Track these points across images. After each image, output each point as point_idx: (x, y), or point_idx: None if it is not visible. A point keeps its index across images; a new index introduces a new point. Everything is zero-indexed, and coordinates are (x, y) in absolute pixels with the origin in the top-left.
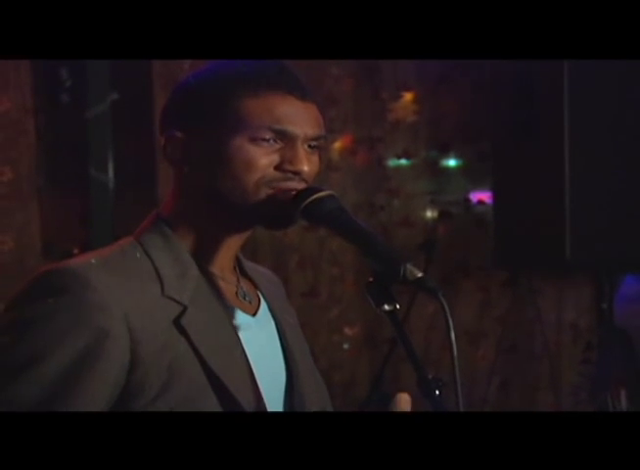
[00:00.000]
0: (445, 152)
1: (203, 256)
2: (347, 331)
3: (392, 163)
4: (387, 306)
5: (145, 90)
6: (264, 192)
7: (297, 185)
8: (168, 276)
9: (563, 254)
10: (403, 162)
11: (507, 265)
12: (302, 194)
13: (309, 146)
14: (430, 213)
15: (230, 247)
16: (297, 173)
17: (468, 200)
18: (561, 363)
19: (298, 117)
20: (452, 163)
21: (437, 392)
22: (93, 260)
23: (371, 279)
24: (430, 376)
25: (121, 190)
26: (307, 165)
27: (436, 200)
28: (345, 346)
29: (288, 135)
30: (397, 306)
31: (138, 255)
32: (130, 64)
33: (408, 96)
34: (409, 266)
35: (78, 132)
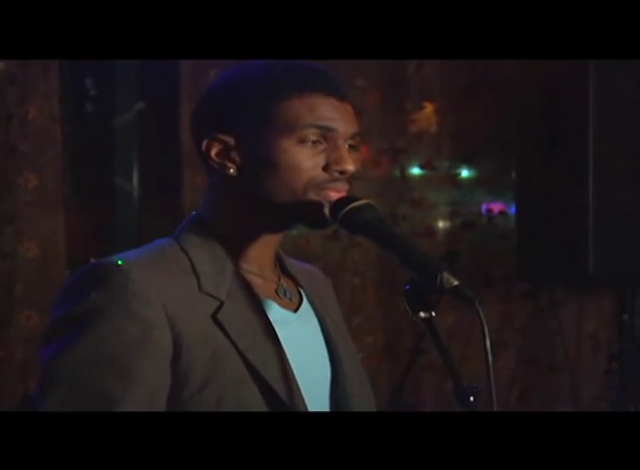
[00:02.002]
0: (468, 163)
1: (241, 254)
2: (369, 339)
3: (415, 173)
4: (422, 314)
5: (171, 99)
6: (312, 195)
7: (343, 186)
8: (205, 273)
9: (586, 267)
10: (426, 172)
11: (529, 277)
12: (340, 203)
13: (349, 146)
14: (452, 224)
15: (269, 245)
16: (344, 173)
17: (490, 211)
18: (581, 375)
19: (340, 116)
20: (474, 174)
21: (472, 398)
22: (132, 256)
23: (408, 287)
24: (465, 383)
25: (147, 199)
26: (352, 165)
27: (458, 211)
28: (360, 355)
29: (331, 134)
30: (433, 314)
31: (175, 252)
32: (157, 73)
33: (431, 107)
34: (446, 275)
35: (104, 141)
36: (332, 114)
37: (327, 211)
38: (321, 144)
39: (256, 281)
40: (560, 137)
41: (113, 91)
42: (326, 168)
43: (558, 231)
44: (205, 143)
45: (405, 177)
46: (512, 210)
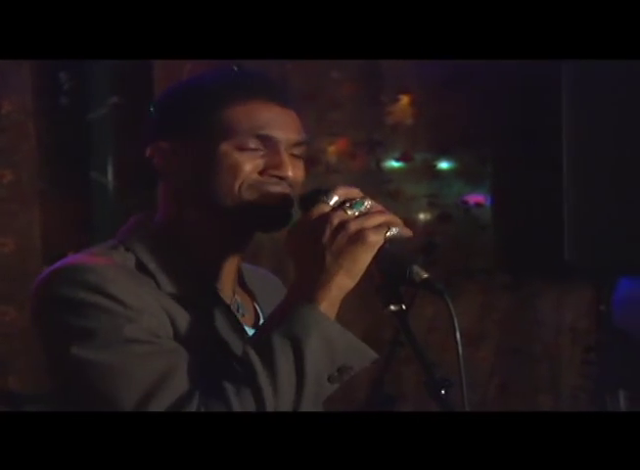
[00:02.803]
0: (445, 155)
1: (196, 264)
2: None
3: (392, 165)
4: (393, 307)
5: (145, 93)
6: (249, 195)
7: (283, 190)
8: (164, 282)
9: (562, 257)
10: (402, 164)
11: (507, 268)
12: (307, 195)
13: (293, 153)
14: (429, 216)
15: (223, 257)
16: (283, 178)
17: (466, 202)
18: (560, 365)
19: (281, 123)
20: (451, 166)
21: (444, 391)
22: (98, 261)
23: (379, 280)
24: (437, 376)
25: (122, 193)
26: (292, 171)
27: (435, 202)
28: None
29: (271, 141)
30: (404, 307)
31: (123, 255)
32: (131, 67)
33: (407, 99)
34: (416, 267)
35: (79, 135)
36: (271, 121)
37: (277, 204)
38: (261, 150)
39: (214, 297)
40: (534, 127)
41: (87, 85)
42: (264, 172)
43: (535, 223)
44: (148, 149)
45: (382, 169)
46: (489, 201)
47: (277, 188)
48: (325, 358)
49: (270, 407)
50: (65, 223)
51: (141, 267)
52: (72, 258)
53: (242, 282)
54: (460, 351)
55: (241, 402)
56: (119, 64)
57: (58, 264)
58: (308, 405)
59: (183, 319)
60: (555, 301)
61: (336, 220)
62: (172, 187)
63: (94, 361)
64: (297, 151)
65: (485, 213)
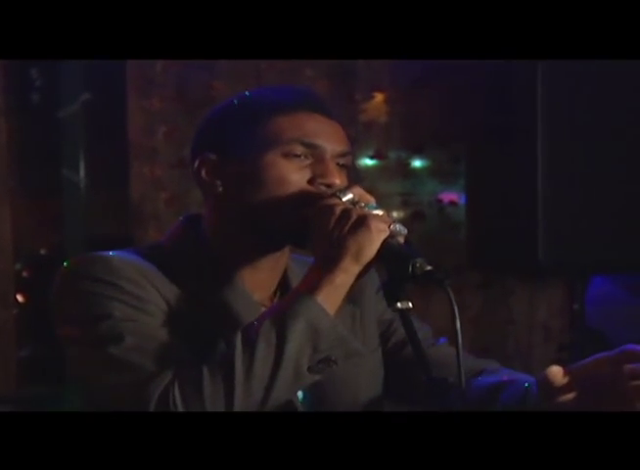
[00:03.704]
0: (418, 153)
1: (238, 273)
2: None
3: (365, 163)
4: (399, 305)
5: (118, 90)
6: (299, 209)
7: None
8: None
9: (535, 255)
10: (376, 162)
11: (480, 267)
12: None
13: (338, 163)
14: (402, 214)
15: (264, 268)
16: (330, 186)
17: (440, 201)
18: (532, 364)
19: (326, 132)
20: (425, 164)
21: (444, 391)
22: (119, 252)
23: (385, 278)
24: (436, 376)
25: (94, 191)
26: (339, 179)
27: (409, 201)
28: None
29: (317, 150)
30: (410, 305)
31: (161, 261)
32: (103, 64)
33: (381, 97)
34: (419, 261)
35: (50, 133)
36: (317, 130)
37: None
38: (307, 159)
39: (253, 306)
40: (509, 126)
41: (58, 81)
42: (311, 182)
43: (508, 221)
44: (195, 163)
45: (355, 167)
46: (463, 200)
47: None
48: (308, 348)
49: (240, 390)
50: (36, 221)
51: (169, 268)
52: (99, 252)
53: (291, 280)
54: (460, 339)
55: (212, 381)
56: (91, 61)
57: (81, 254)
58: (282, 394)
59: (196, 317)
60: (528, 299)
61: (339, 209)
62: (216, 201)
63: (88, 338)
64: (342, 161)
65: (459, 212)
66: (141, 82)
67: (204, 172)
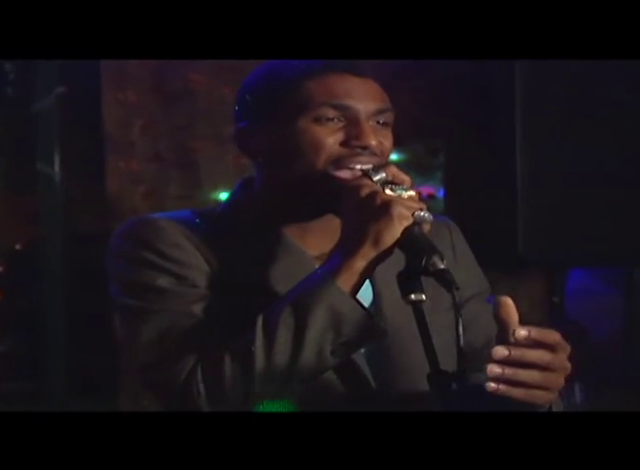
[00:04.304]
0: (396, 146)
1: (289, 233)
2: None
3: None
4: (412, 296)
5: (92, 83)
6: (333, 171)
7: (367, 159)
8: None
9: (515, 248)
10: None
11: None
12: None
13: (377, 122)
14: None
15: (316, 230)
16: (366, 148)
17: (418, 194)
18: None
19: (358, 92)
20: (403, 157)
21: (452, 386)
22: (169, 214)
23: (402, 269)
24: (443, 370)
25: (69, 184)
26: (375, 139)
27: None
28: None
29: (349, 111)
30: (423, 298)
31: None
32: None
33: None
34: (435, 258)
35: (25, 126)
36: (348, 90)
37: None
38: (340, 121)
39: (312, 264)
40: (488, 120)
41: (32, 75)
42: (345, 144)
43: (488, 214)
44: (233, 134)
45: None
46: (440, 193)
47: (361, 159)
48: (330, 332)
49: (260, 375)
50: (11, 215)
51: (220, 230)
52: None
53: None
54: (461, 342)
55: (232, 363)
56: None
57: (133, 217)
58: (306, 378)
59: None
60: (508, 292)
61: (366, 190)
62: (259, 168)
63: (127, 305)
64: (381, 119)
65: (438, 205)
66: (116, 75)
67: (241, 143)
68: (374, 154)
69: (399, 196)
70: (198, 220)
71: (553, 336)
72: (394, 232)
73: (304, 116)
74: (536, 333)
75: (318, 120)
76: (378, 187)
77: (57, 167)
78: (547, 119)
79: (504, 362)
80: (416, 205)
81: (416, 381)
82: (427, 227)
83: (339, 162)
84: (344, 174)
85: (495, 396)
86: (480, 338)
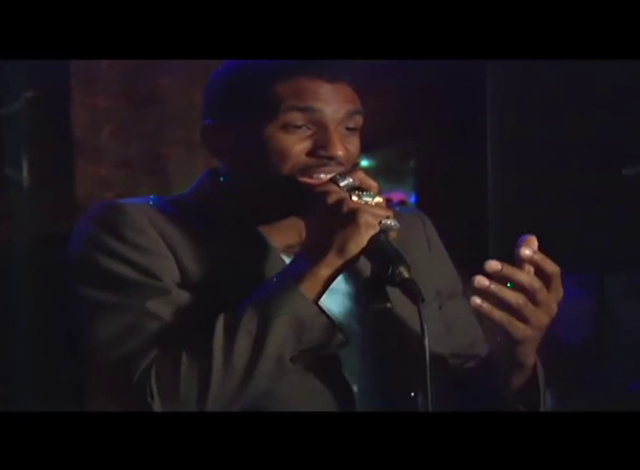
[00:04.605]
0: (367, 152)
1: (256, 227)
2: None
3: None
4: (378, 305)
5: (61, 88)
6: (298, 180)
7: (333, 169)
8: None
9: (486, 255)
10: None
11: None
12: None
13: (346, 128)
14: None
15: (283, 226)
16: (332, 158)
17: (389, 200)
18: None
19: (328, 97)
20: (373, 163)
21: (412, 394)
22: (135, 199)
23: (367, 278)
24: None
25: (38, 189)
26: (342, 150)
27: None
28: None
29: (318, 118)
30: (389, 306)
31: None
32: (46, 62)
33: None
34: (399, 268)
35: None
36: (317, 95)
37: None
38: (309, 129)
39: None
40: (459, 124)
41: (1, 78)
42: (312, 154)
43: (459, 221)
44: (200, 130)
45: None
46: (411, 199)
47: (326, 169)
48: (292, 339)
49: (216, 376)
50: None
51: (187, 217)
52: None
53: None
54: (428, 358)
55: (190, 364)
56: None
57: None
58: (262, 383)
59: (207, 263)
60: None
61: (333, 197)
62: (225, 165)
63: (84, 295)
64: (350, 124)
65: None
66: (85, 80)
67: (206, 138)
68: (340, 163)
69: (366, 203)
70: (165, 207)
71: (553, 267)
72: (361, 241)
73: (272, 121)
74: (539, 257)
75: (286, 128)
76: (345, 194)
77: (25, 172)
78: (519, 123)
79: (494, 276)
80: (383, 212)
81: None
82: (393, 235)
83: (304, 171)
84: (311, 180)
85: (478, 313)
86: (464, 339)
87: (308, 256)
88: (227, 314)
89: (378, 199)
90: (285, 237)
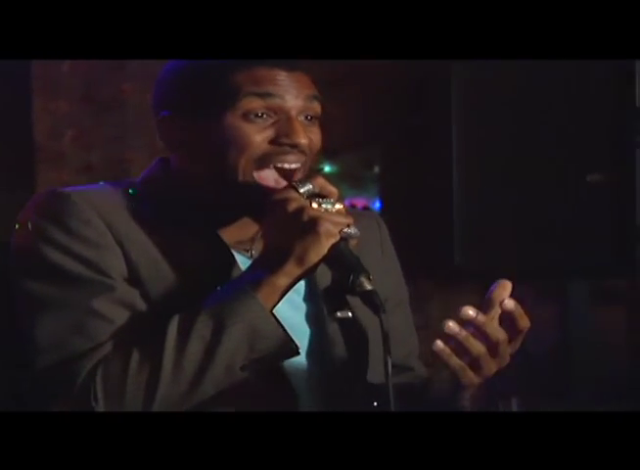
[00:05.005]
0: (330, 158)
1: (209, 222)
2: None
3: None
4: (338, 314)
5: (22, 93)
6: (261, 168)
7: (295, 158)
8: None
9: (451, 260)
10: None
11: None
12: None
13: (306, 117)
14: None
15: (237, 221)
16: (295, 146)
17: (353, 206)
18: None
19: (288, 86)
20: (337, 169)
21: (375, 403)
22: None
23: (327, 285)
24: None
25: None
26: (305, 137)
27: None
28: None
29: (280, 106)
30: (350, 315)
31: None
32: (6, 65)
33: None
34: (361, 278)
35: None
36: (277, 83)
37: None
38: (270, 117)
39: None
40: (424, 131)
41: None
42: (274, 142)
43: (423, 225)
44: (155, 123)
45: None
46: (375, 205)
47: (289, 158)
48: (244, 347)
49: (165, 380)
50: None
51: (137, 206)
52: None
53: None
54: (389, 371)
55: (138, 366)
56: None
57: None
58: (210, 389)
59: (157, 260)
60: (444, 304)
61: (293, 205)
62: (181, 158)
63: (27, 289)
64: (310, 113)
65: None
66: (47, 84)
67: (162, 132)
68: (302, 152)
69: (327, 211)
70: (114, 195)
71: (526, 323)
72: (321, 250)
73: (232, 110)
74: (519, 311)
75: (246, 117)
76: (305, 202)
77: None
78: (484, 128)
79: (466, 323)
80: (343, 220)
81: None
82: (353, 242)
83: (264, 159)
84: (268, 178)
85: (435, 356)
86: (402, 349)
87: (266, 263)
88: (181, 316)
89: (338, 206)
90: (236, 233)
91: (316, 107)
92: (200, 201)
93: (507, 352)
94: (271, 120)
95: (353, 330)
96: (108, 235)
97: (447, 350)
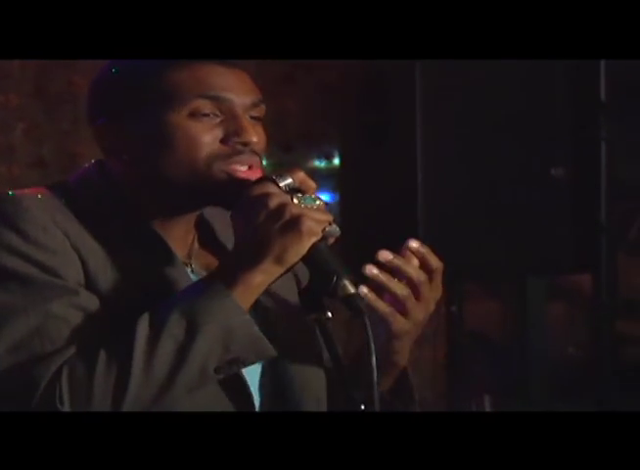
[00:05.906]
0: (287, 152)
1: (152, 226)
2: None
3: None
4: (317, 315)
5: None
6: (216, 170)
7: (248, 159)
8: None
9: None
10: None
11: (354, 272)
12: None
13: (251, 117)
14: None
15: (181, 224)
16: (246, 144)
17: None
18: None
19: (232, 84)
20: (293, 163)
21: (363, 406)
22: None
23: (305, 286)
24: (353, 393)
25: None
26: (255, 136)
27: None
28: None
29: (227, 104)
30: (329, 315)
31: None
32: None
33: None
34: (344, 281)
35: None
36: (223, 82)
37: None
38: (217, 116)
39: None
40: (386, 125)
41: None
42: (225, 141)
43: (384, 222)
44: (93, 131)
45: None
46: (334, 200)
47: (242, 158)
48: (219, 348)
49: (135, 382)
50: None
51: (76, 208)
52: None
53: (213, 241)
54: (375, 376)
55: (106, 368)
56: None
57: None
58: (182, 391)
59: (110, 265)
60: None
61: (275, 201)
62: (123, 165)
63: None
64: (255, 112)
65: (332, 213)
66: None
67: (102, 140)
68: (254, 152)
69: (308, 207)
70: (57, 202)
71: (437, 262)
72: (301, 249)
73: (176, 110)
74: (425, 250)
75: (194, 116)
76: (287, 198)
77: None
78: (448, 123)
79: (384, 266)
80: (325, 217)
81: (311, 399)
82: (332, 240)
83: (219, 160)
84: (241, 173)
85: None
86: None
87: (241, 260)
88: (151, 315)
89: (319, 202)
90: (182, 242)
91: (261, 109)
92: (146, 209)
93: (431, 296)
94: (218, 120)
95: (324, 332)
96: (66, 243)
97: (373, 294)
